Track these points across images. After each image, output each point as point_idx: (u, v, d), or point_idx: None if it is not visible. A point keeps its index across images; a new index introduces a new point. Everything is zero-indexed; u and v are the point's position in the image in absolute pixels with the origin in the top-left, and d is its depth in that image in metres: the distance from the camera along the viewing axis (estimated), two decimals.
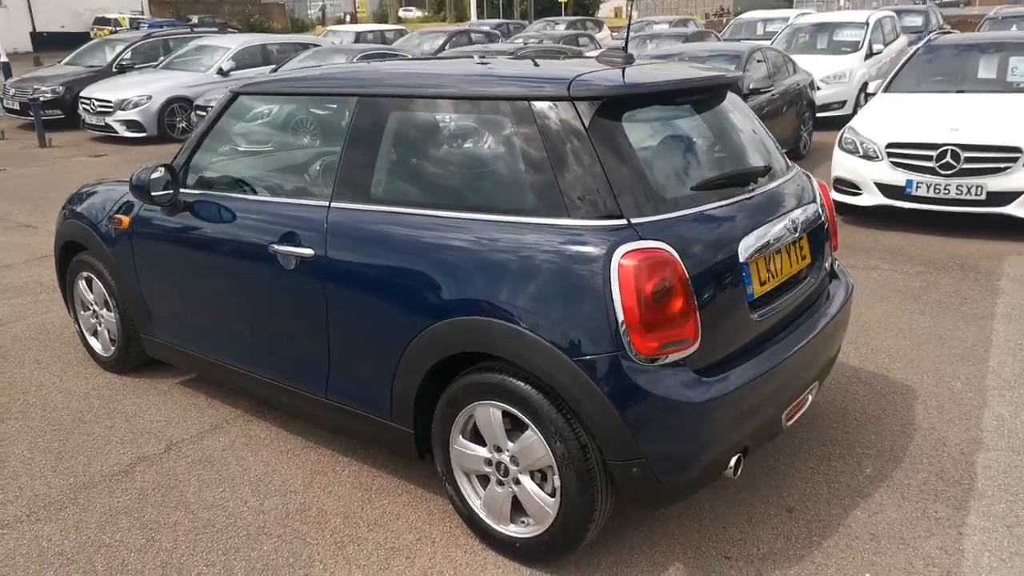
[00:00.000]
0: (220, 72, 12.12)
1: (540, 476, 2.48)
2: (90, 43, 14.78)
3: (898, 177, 6.27)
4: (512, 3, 40.30)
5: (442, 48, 14.96)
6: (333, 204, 2.84)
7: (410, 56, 12.35)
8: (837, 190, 6.74)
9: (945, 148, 6.03)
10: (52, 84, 13.11)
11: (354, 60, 10.61)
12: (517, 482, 2.52)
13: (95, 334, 4.16)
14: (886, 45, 12.47)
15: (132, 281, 3.69)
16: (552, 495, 2.45)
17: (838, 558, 2.60)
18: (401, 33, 18.15)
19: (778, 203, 2.72)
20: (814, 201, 2.99)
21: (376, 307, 2.70)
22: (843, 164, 6.66)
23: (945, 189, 6.07)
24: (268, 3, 41.41)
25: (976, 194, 5.99)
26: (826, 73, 11.25)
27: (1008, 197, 5.93)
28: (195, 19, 32.23)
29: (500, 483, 2.57)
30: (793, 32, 13.07)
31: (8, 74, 15.85)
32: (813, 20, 13.41)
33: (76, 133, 12.76)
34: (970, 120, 6.23)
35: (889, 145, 6.32)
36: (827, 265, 3.06)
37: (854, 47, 12.07)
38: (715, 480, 2.54)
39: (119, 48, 13.91)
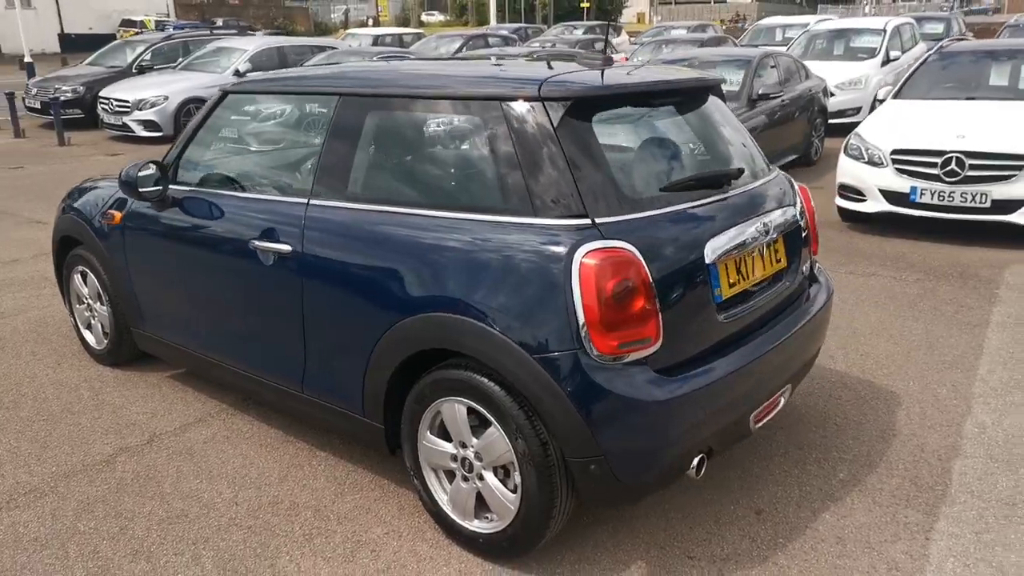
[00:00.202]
0: (237, 73, 12.26)
1: (503, 472, 2.50)
2: (111, 44, 15.03)
3: (903, 184, 6.21)
4: (534, 8, 40.41)
5: (459, 51, 15.04)
6: (312, 201, 2.88)
7: (412, 58, 12.43)
8: (842, 196, 6.70)
9: (950, 155, 5.97)
10: (73, 84, 13.35)
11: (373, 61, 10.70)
12: (481, 478, 2.54)
13: (89, 327, 4.24)
14: (904, 52, 12.36)
15: (123, 275, 3.76)
16: (514, 491, 2.46)
17: (802, 561, 2.59)
18: (419, 37, 18.26)
19: (751, 206, 2.72)
20: (792, 205, 2.98)
21: (348, 303, 2.74)
22: (848, 170, 6.62)
23: (950, 197, 6.01)
24: (292, 7, 41.90)
25: (981, 202, 5.92)
26: (841, 79, 11.18)
27: (1013, 205, 5.86)
28: (219, 22, 32.60)
29: (465, 479, 2.59)
30: (810, 38, 13.01)
31: (32, 74, 16.16)
32: (830, 26, 13.33)
33: (95, 132, 12.97)
34: (977, 127, 6.16)
35: (894, 152, 6.27)
36: (805, 269, 3.05)
37: (871, 54, 11.98)
38: (676, 480, 2.54)
39: (139, 49, 14.13)
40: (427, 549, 2.68)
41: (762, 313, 2.76)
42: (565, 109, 2.41)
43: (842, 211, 6.80)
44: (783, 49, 11.23)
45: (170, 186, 3.44)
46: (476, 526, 2.60)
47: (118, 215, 3.70)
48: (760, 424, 2.73)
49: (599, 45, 16.14)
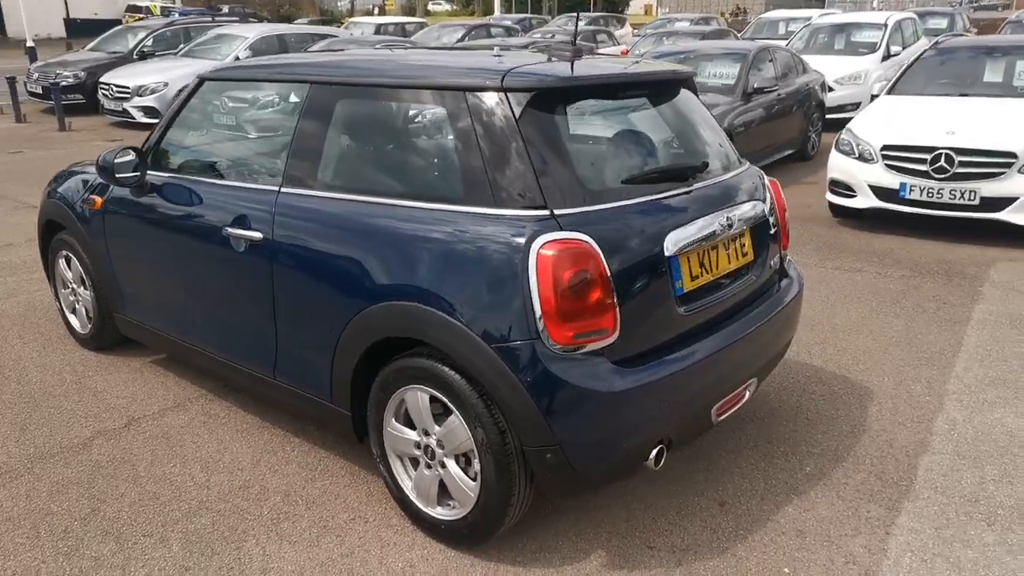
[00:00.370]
0: (237, 60, 12.28)
1: (465, 460, 2.53)
2: (113, 30, 15.04)
3: (892, 180, 6.21)
4: None
5: (460, 41, 15.02)
6: (283, 189, 2.90)
7: (407, 46, 12.41)
8: (832, 192, 6.70)
9: (940, 152, 5.97)
10: (74, 69, 13.38)
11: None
12: (443, 465, 2.57)
13: (73, 311, 4.28)
14: (905, 47, 12.30)
15: (104, 260, 3.80)
16: (474, 479, 2.49)
17: (760, 552, 2.62)
18: (423, 26, 18.24)
19: (716, 199, 2.74)
20: (761, 199, 3.00)
21: (316, 290, 2.76)
22: (838, 166, 6.61)
23: (939, 193, 6.01)
24: None
25: (970, 199, 5.92)
26: (841, 74, 11.15)
27: (1002, 203, 5.85)
28: (225, 8, 32.56)
29: (428, 466, 2.63)
30: (812, 32, 12.95)
31: (34, 59, 16.19)
32: (832, 20, 13.28)
33: (95, 118, 13.00)
34: (967, 124, 6.15)
35: (884, 148, 6.26)
36: (773, 263, 3.07)
37: (871, 48, 11.94)
38: (635, 471, 2.57)
39: (141, 35, 14.15)
40: (391, 535, 2.71)
41: (727, 306, 2.77)
42: (527, 100, 2.42)
43: (832, 207, 6.80)
44: (782, 43, 11.20)
45: (148, 172, 3.47)
46: (438, 513, 2.64)
47: (99, 200, 3.73)
48: (723, 417, 2.75)
49: (601, 36, 16.11)
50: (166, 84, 11.91)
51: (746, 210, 2.86)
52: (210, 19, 15.47)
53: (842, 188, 6.60)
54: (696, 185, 2.71)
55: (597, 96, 2.68)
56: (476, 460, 2.45)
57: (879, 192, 6.31)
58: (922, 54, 7.66)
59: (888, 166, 6.22)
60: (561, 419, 2.29)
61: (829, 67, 10.98)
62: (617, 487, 2.95)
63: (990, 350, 4.13)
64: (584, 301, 2.28)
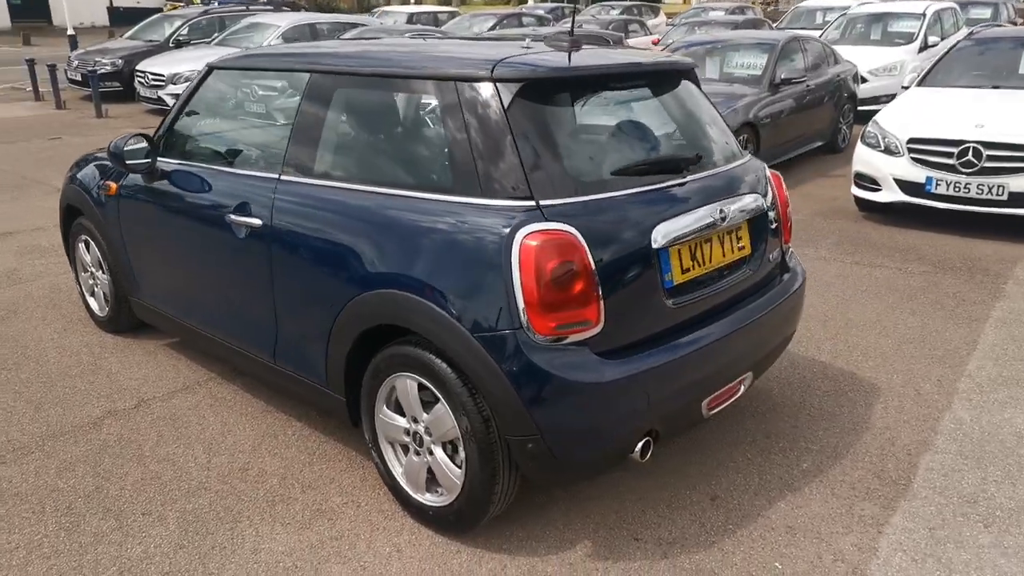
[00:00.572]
0: None
1: (451, 448, 2.56)
2: (151, 19, 15.30)
3: (918, 174, 6.08)
4: None
5: (491, 30, 14.99)
6: (282, 176, 2.95)
7: (439, 36, 12.41)
8: (857, 185, 6.58)
9: (967, 145, 5.82)
10: (112, 57, 13.64)
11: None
12: (431, 452, 2.60)
13: (92, 294, 4.39)
14: (944, 38, 11.99)
15: (119, 245, 3.89)
16: (460, 467, 2.52)
17: (748, 547, 2.60)
18: (454, 15, 18.24)
19: (710, 191, 2.71)
20: (761, 192, 2.96)
21: (311, 277, 2.81)
22: (864, 159, 6.49)
23: (965, 188, 5.87)
24: None
25: (997, 194, 5.77)
26: (875, 65, 10.92)
27: None
28: None
29: (417, 453, 2.66)
30: (848, 22, 12.69)
31: (74, 46, 16.54)
32: (869, 10, 12.98)
33: (132, 105, 13.25)
34: (997, 117, 5.99)
35: (910, 140, 6.13)
36: (773, 257, 3.04)
37: (908, 39, 11.67)
38: (619, 462, 2.57)
39: (177, 24, 14.37)
40: (382, 520, 2.75)
41: (722, 300, 2.75)
42: (517, 91, 2.42)
43: (858, 200, 6.68)
44: (813, 33, 10.99)
45: (159, 159, 3.54)
46: (427, 499, 2.67)
47: (114, 186, 3.81)
48: (715, 411, 2.74)
49: (632, 26, 15.97)
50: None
51: (744, 203, 2.83)
52: (244, 8, 15.66)
53: (867, 181, 6.48)
54: (690, 177, 2.69)
55: (591, 87, 2.66)
56: (461, 448, 2.47)
57: (904, 186, 6.18)
58: (955, 44, 7.47)
59: (914, 159, 6.09)
60: (542, 409, 2.30)
61: (864, 58, 10.77)
62: (610, 478, 2.95)
63: (1006, 349, 4.04)
64: (567, 292, 2.28)
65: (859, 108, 9.89)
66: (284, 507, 2.83)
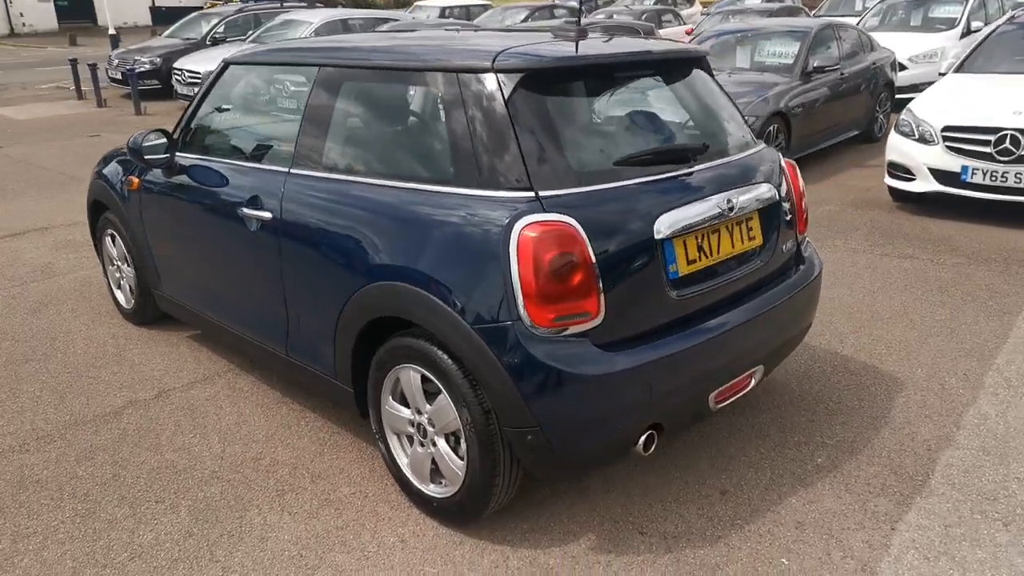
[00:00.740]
0: None
1: (454, 439, 2.56)
2: (188, 17, 15.56)
3: (953, 163, 5.91)
4: None
5: (523, 22, 14.96)
6: (292, 170, 2.97)
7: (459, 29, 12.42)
8: (891, 175, 6.43)
9: (1005, 132, 5.64)
10: (151, 56, 13.92)
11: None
12: (434, 444, 2.61)
13: (119, 287, 4.49)
14: (988, 23, 11.62)
15: (142, 239, 3.97)
16: (462, 459, 2.52)
17: (755, 543, 2.56)
18: (487, 8, 18.22)
19: (718, 181, 2.66)
20: (774, 182, 2.90)
21: (318, 270, 2.83)
22: (897, 147, 6.33)
23: (1003, 177, 5.69)
24: None
25: None
26: (914, 52, 10.64)
27: None
28: None
29: (421, 444, 2.67)
30: (887, 8, 12.38)
31: (115, 45, 16.91)
32: None
33: (170, 103, 13.50)
34: None
35: (945, 128, 5.96)
36: (786, 248, 2.98)
37: (950, 24, 11.34)
38: (621, 456, 2.55)
39: (213, 22, 14.59)
40: (388, 510, 2.77)
41: (731, 292, 2.71)
42: (518, 81, 2.41)
43: (892, 191, 6.53)
44: (849, 20, 10.73)
45: (177, 153, 3.59)
46: (431, 490, 2.68)
47: (136, 181, 3.89)
48: (723, 404, 2.70)
49: (666, 17, 15.78)
50: None
51: (755, 193, 2.78)
52: (279, 5, 15.84)
53: (901, 171, 6.32)
54: (698, 167, 2.65)
55: (595, 77, 2.63)
56: (463, 440, 2.47)
57: (939, 175, 6.02)
58: (995, 29, 7.23)
59: (949, 148, 5.92)
60: (541, 401, 2.29)
61: (903, 44, 10.51)
62: (617, 472, 2.93)
63: None
64: (566, 283, 2.26)
65: (897, 96, 9.64)
66: (293, 496, 2.86)
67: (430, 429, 2.60)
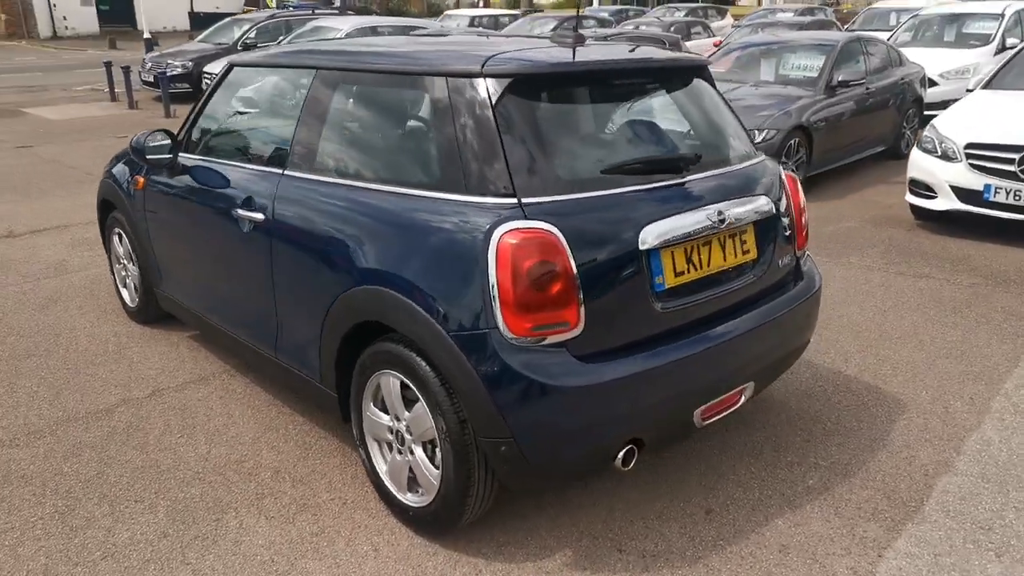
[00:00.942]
0: None
1: (431, 448, 2.52)
2: (221, 23, 15.80)
3: (976, 181, 5.77)
4: None
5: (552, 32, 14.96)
6: (285, 172, 2.97)
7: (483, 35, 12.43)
8: (912, 192, 6.29)
9: None
10: (182, 60, 14.14)
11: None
12: (412, 452, 2.57)
13: (124, 285, 4.52)
14: None
15: (145, 238, 4.00)
16: (438, 468, 2.48)
17: (736, 565, 2.49)
18: (515, 18, 18.27)
19: (709, 192, 2.60)
20: (771, 195, 2.83)
21: (305, 273, 2.82)
22: (919, 164, 6.20)
23: None
24: None
25: None
26: (946, 68, 10.44)
27: None
28: (337, 1, 33.62)
29: (399, 451, 2.63)
30: (920, 23, 12.18)
31: (149, 49, 17.22)
32: (942, 11, 12.42)
33: None
34: None
35: (968, 146, 5.82)
36: (782, 263, 2.90)
37: (984, 41, 11.11)
38: (599, 470, 2.49)
39: (245, 27, 14.80)
40: (364, 518, 2.73)
41: (721, 306, 2.64)
42: (506, 87, 2.38)
43: (913, 208, 6.38)
44: (878, 35, 10.57)
45: (180, 154, 3.61)
46: (408, 499, 2.64)
47: (141, 180, 3.92)
48: (709, 421, 2.63)
49: (696, 29, 15.70)
50: None
51: (751, 206, 2.71)
52: (310, 12, 16.03)
53: (922, 188, 6.18)
54: (690, 177, 2.59)
55: (586, 84, 2.59)
56: (438, 448, 2.43)
57: (961, 194, 5.87)
58: None
59: (972, 165, 5.78)
60: (515, 412, 2.24)
61: (935, 60, 10.32)
62: (602, 486, 2.87)
63: None
64: (545, 292, 2.22)
65: (926, 113, 9.46)
66: (272, 501, 2.84)
67: (408, 437, 2.57)
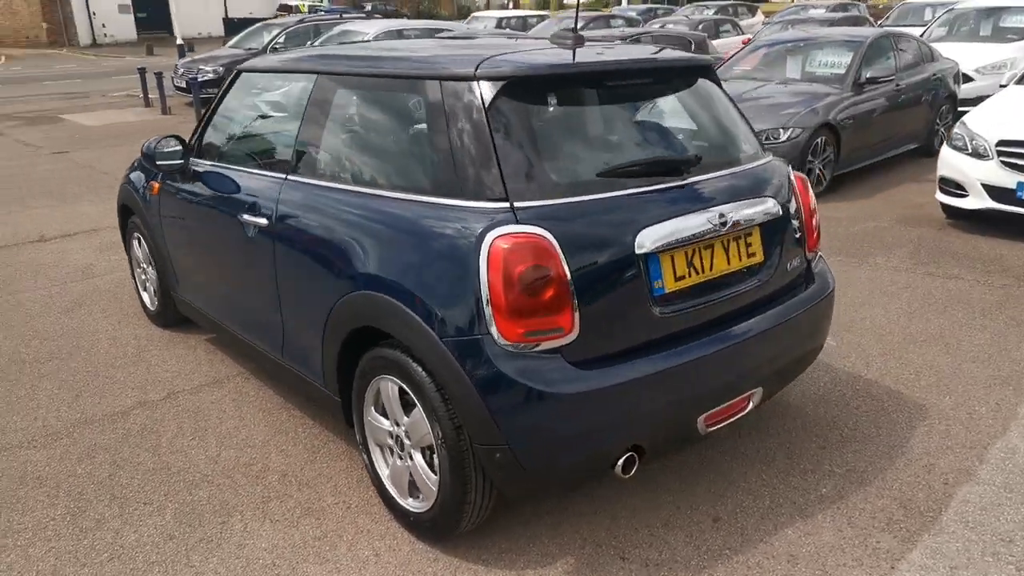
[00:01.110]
0: None
1: (430, 453, 2.50)
2: (251, 28, 16.00)
3: (1008, 179, 5.60)
4: None
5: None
6: (289, 177, 2.98)
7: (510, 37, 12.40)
8: (942, 191, 6.13)
9: None
10: (214, 65, 14.34)
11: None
12: (411, 457, 2.56)
13: (145, 289, 4.59)
14: None
15: (161, 241, 4.04)
16: (436, 474, 2.46)
17: (742, 574, 2.43)
18: (543, 19, 18.23)
19: (713, 195, 2.55)
20: (779, 197, 2.76)
21: (306, 278, 2.82)
22: (949, 162, 6.04)
23: None
24: None
25: None
26: (982, 63, 10.17)
27: None
28: (368, 6, 33.91)
29: (400, 457, 2.62)
30: (955, 18, 11.89)
31: (182, 55, 17.50)
32: (978, 5, 12.10)
33: None
34: None
35: (1000, 143, 5.65)
36: (791, 266, 2.83)
37: (1021, 35, 10.81)
38: (597, 477, 2.45)
39: (275, 32, 14.96)
40: (367, 522, 2.73)
41: (726, 310, 2.59)
42: (499, 89, 2.35)
43: (944, 207, 6.22)
44: (913, 30, 10.35)
45: (192, 159, 3.65)
46: (409, 504, 2.63)
47: (157, 186, 3.97)
48: (714, 428, 2.57)
49: (724, 27, 15.51)
50: None
51: (756, 207, 2.65)
52: (338, 16, 16.16)
53: (952, 187, 6.02)
54: (691, 179, 2.54)
55: (584, 86, 2.55)
56: (436, 455, 2.42)
57: (993, 192, 5.71)
58: None
59: (1004, 163, 5.62)
60: (509, 418, 2.21)
61: (970, 55, 10.06)
62: (607, 493, 2.83)
63: None
64: (538, 298, 2.19)
65: (960, 109, 9.22)
66: (278, 504, 2.85)
67: (407, 442, 2.55)
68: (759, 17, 20.11)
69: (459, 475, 2.35)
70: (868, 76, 7.60)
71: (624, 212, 2.35)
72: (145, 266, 4.46)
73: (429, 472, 2.49)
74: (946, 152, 6.08)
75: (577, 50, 2.63)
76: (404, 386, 2.47)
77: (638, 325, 2.37)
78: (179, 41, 18.17)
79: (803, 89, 7.60)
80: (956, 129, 6.08)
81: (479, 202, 2.28)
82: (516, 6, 32.36)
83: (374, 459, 2.76)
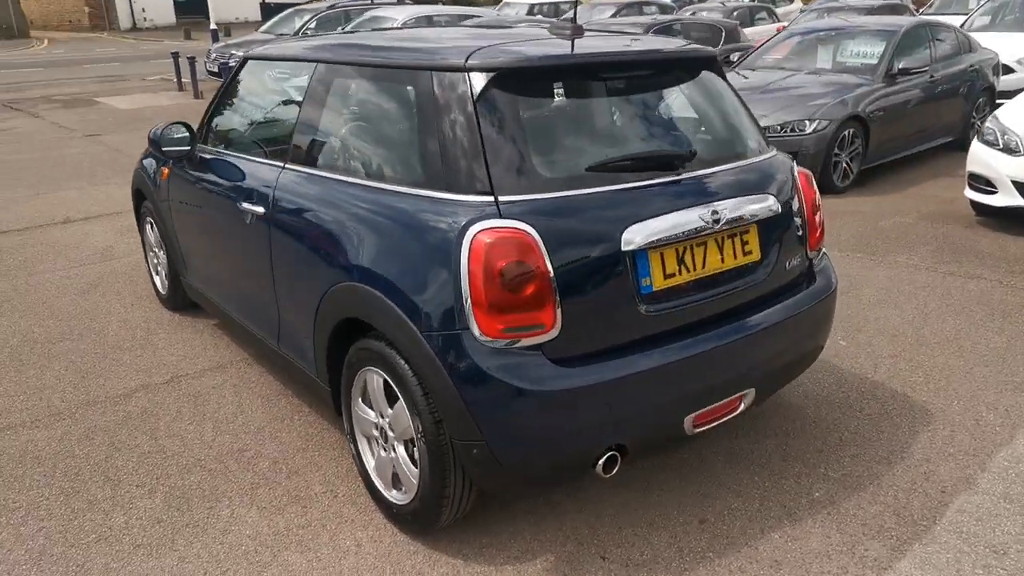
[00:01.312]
0: None
1: (412, 446, 2.50)
2: (283, 13, 16.08)
3: None
4: None
5: (611, 18, 14.71)
6: (286, 166, 2.98)
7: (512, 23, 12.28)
8: (971, 187, 5.95)
9: None
10: (245, 50, 14.41)
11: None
12: (394, 449, 2.55)
13: (157, 273, 4.65)
14: None
15: (170, 227, 4.09)
16: (417, 467, 2.45)
17: None
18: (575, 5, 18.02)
19: (706, 190, 2.49)
20: (777, 192, 2.69)
21: (298, 267, 2.82)
22: (979, 158, 5.86)
23: None
24: None
25: None
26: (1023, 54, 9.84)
27: None
28: None
29: (384, 448, 2.62)
30: (999, 7, 11.50)
31: (215, 40, 17.67)
32: None
33: None
34: None
35: None
36: (791, 264, 2.76)
37: None
38: (578, 475, 2.42)
39: (306, 18, 15.01)
40: (352, 512, 2.73)
41: (719, 309, 2.53)
42: (488, 81, 2.31)
43: (973, 204, 6.04)
44: (955, 19, 10.04)
45: (199, 146, 3.67)
46: (392, 496, 2.63)
47: (166, 171, 4.00)
48: (702, 428, 2.53)
49: (760, 14, 15.22)
50: None
51: (753, 204, 2.58)
52: (369, 2, 16.15)
53: (982, 183, 5.85)
54: (686, 175, 2.49)
55: (577, 78, 2.50)
56: (416, 448, 2.41)
57: None
58: None
59: None
60: (487, 414, 2.19)
61: (1012, 46, 9.74)
62: (594, 489, 2.80)
63: None
64: (519, 293, 2.16)
65: (999, 102, 8.93)
66: (266, 491, 2.87)
67: (391, 434, 2.55)
68: (797, 4, 19.67)
69: (438, 469, 2.34)
70: (901, 67, 7.41)
71: (612, 208, 2.30)
72: (156, 250, 4.52)
73: (411, 465, 2.49)
74: (976, 147, 5.90)
75: (575, 41, 2.58)
76: (388, 378, 2.46)
77: (624, 323, 2.33)
78: (212, 26, 18.35)
79: (833, 80, 7.43)
80: (987, 123, 5.89)
81: (464, 195, 2.26)
82: None
83: (361, 450, 2.76)
